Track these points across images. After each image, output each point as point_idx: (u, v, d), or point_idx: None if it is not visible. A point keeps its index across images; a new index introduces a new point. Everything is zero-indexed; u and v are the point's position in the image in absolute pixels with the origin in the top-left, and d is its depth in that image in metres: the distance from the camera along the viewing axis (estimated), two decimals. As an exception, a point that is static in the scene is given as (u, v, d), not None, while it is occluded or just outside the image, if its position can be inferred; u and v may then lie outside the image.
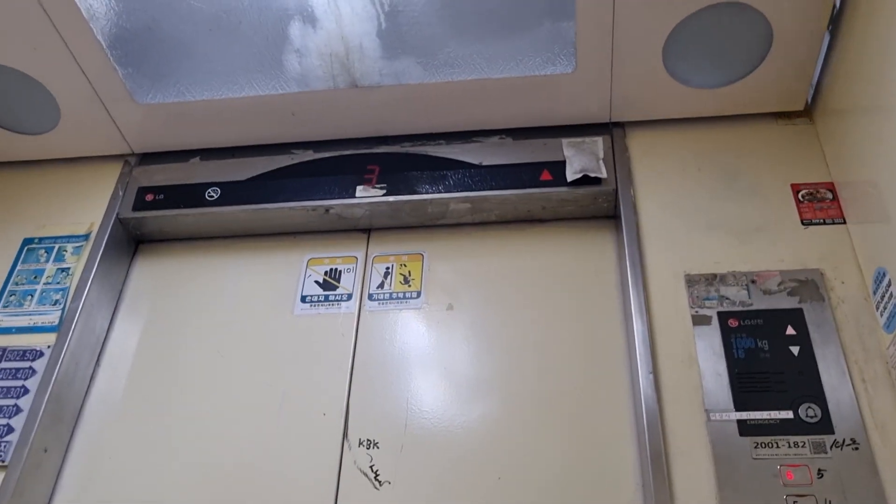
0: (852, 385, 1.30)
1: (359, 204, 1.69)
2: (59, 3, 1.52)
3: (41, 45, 1.59)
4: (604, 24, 1.49)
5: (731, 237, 1.51)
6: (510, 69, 1.60)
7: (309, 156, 1.78)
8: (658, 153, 1.66)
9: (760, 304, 1.41)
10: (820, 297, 1.40)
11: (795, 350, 1.35)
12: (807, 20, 1.47)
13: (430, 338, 1.61)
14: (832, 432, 1.27)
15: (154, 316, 1.73)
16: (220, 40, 1.61)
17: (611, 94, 1.63)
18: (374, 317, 1.65)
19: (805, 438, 1.27)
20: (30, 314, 1.63)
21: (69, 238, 1.73)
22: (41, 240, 1.74)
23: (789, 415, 1.29)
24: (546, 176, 1.64)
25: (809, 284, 1.42)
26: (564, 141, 1.69)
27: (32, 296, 1.66)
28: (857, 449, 1.25)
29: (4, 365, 1.56)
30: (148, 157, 1.85)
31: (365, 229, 1.78)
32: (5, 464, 1.45)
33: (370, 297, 1.68)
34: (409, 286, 1.68)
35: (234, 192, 1.74)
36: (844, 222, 1.49)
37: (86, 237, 1.73)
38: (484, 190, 1.65)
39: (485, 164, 1.68)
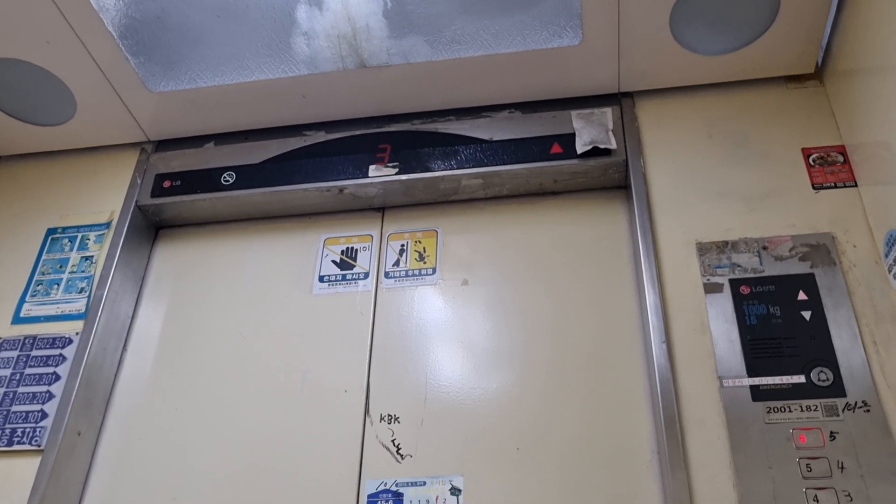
0: (864, 348, 1.32)
1: (372, 183, 1.71)
2: (69, -3, 1.55)
3: (54, 38, 1.61)
4: (609, -5, 1.49)
5: (742, 204, 1.52)
6: (517, 44, 1.60)
7: (321, 137, 1.80)
8: (667, 122, 1.66)
9: (772, 270, 1.42)
10: (831, 262, 1.41)
11: (807, 315, 1.36)
12: (815, -19, 1.46)
13: (446, 313, 1.64)
14: (844, 395, 1.28)
15: (176, 300, 1.77)
16: (229, 26, 1.63)
17: (619, 65, 1.63)
18: (391, 294, 1.68)
19: (817, 402, 1.28)
20: (57, 302, 1.68)
21: (91, 227, 1.77)
22: (64, 229, 1.79)
23: (801, 379, 1.31)
24: (556, 149, 1.65)
25: (821, 249, 1.42)
26: (573, 113, 1.69)
27: (59, 284, 1.71)
28: (868, 411, 1.26)
29: (36, 353, 1.62)
30: (163, 144, 1.88)
31: (379, 208, 1.80)
32: (41, 448, 1.50)
33: (386, 274, 1.71)
34: (425, 263, 1.70)
35: (248, 176, 1.77)
36: (856, 185, 1.49)
37: (107, 225, 1.77)
38: (495, 165, 1.67)
39: (495, 139, 1.70)
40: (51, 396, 1.56)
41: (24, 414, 1.55)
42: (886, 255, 1.36)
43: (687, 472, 1.27)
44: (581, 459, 1.42)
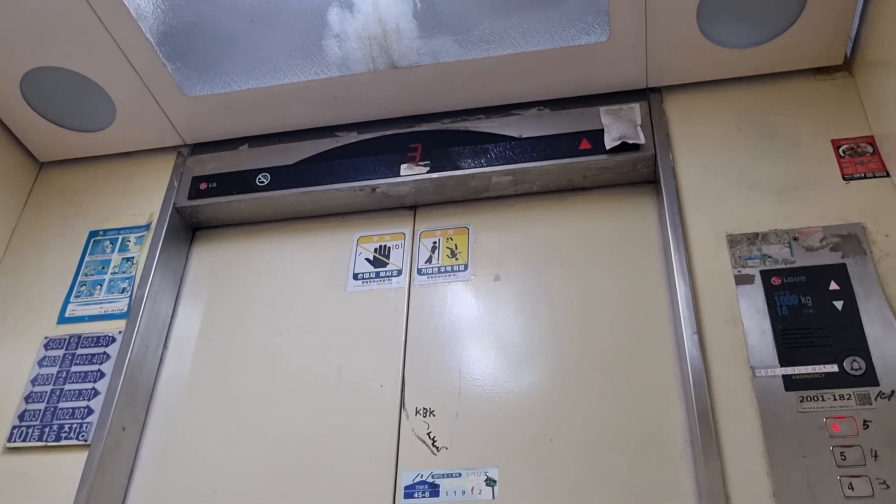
0: (897, 337, 1.32)
1: (404, 182, 1.74)
2: (109, 6, 1.59)
3: (95, 46, 1.67)
4: (636, -9, 1.51)
5: (772, 195, 1.52)
6: (545, 41, 1.62)
7: (353, 137, 1.83)
8: (696, 116, 1.67)
9: (803, 261, 1.43)
10: (862, 252, 1.41)
11: (839, 305, 1.37)
12: (841, -27, 1.47)
13: (478, 308, 1.66)
14: (877, 384, 1.29)
15: (214, 298, 1.82)
16: (262, 30, 1.67)
17: (646, 60, 1.65)
18: (424, 290, 1.71)
19: (850, 391, 1.29)
20: (100, 303, 1.73)
21: (131, 229, 1.83)
22: (105, 232, 1.84)
23: (834, 368, 1.31)
24: (585, 145, 1.67)
25: (852, 239, 1.43)
26: (602, 109, 1.71)
27: (101, 285, 1.76)
28: (902, 399, 1.27)
29: (81, 351, 1.67)
30: (199, 147, 1.93)
31: (411, 206, 1.83)
32: (88, 443, 1.55)
33: (419, 271, 1.73)
34: (457, 259, 1.73)
35: (283, 177, 1.81)
36: (887, 175, 1.49)
37: (147, 227, 1.82)
38: (525, 162, 1.69)
39: (524, 136, 1.72)
40: (96, 393, 1.61)
41: (70, 410, 1.60)
42: (918, 245, 1.36)
43: (721, 461, 1.29)
44: (614, 450, 1.43)
